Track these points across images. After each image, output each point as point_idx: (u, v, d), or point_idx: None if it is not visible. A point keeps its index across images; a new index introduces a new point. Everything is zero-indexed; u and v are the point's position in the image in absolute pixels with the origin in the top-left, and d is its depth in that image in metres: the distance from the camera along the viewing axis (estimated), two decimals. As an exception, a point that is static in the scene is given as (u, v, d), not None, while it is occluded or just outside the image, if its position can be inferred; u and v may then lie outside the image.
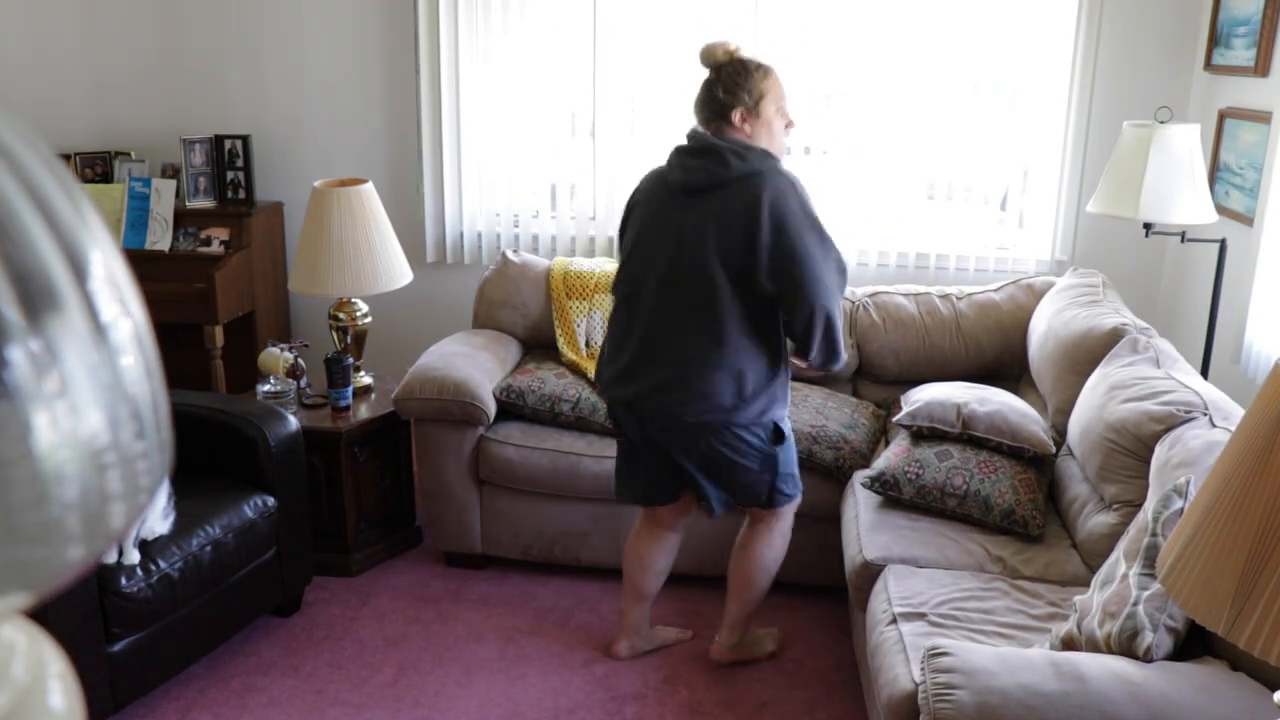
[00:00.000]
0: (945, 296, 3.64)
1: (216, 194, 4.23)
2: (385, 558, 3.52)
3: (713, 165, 2.48)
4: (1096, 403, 2.68)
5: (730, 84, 2.51)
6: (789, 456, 2.71)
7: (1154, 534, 2.05)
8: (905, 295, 3.66)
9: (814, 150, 4.15)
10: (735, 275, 2.46)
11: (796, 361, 2.64)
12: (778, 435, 2.65)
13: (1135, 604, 1.96)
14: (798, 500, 2.82)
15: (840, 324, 2.52)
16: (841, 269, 2.53)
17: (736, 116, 2.51)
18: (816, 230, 2.47)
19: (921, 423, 2.95)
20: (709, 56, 2.56)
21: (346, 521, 3.38)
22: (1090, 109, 3.79)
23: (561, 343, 3.70)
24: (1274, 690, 1.65)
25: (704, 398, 2.52)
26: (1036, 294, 3.56)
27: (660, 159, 2.66)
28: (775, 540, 2.84)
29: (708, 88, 2.55)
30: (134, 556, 2.56)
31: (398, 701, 2.80)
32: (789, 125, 2.61)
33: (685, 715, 2.75)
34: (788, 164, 2.60)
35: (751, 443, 2.61)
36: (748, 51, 2.58)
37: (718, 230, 2.45)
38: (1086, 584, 2.44)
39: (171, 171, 4.24)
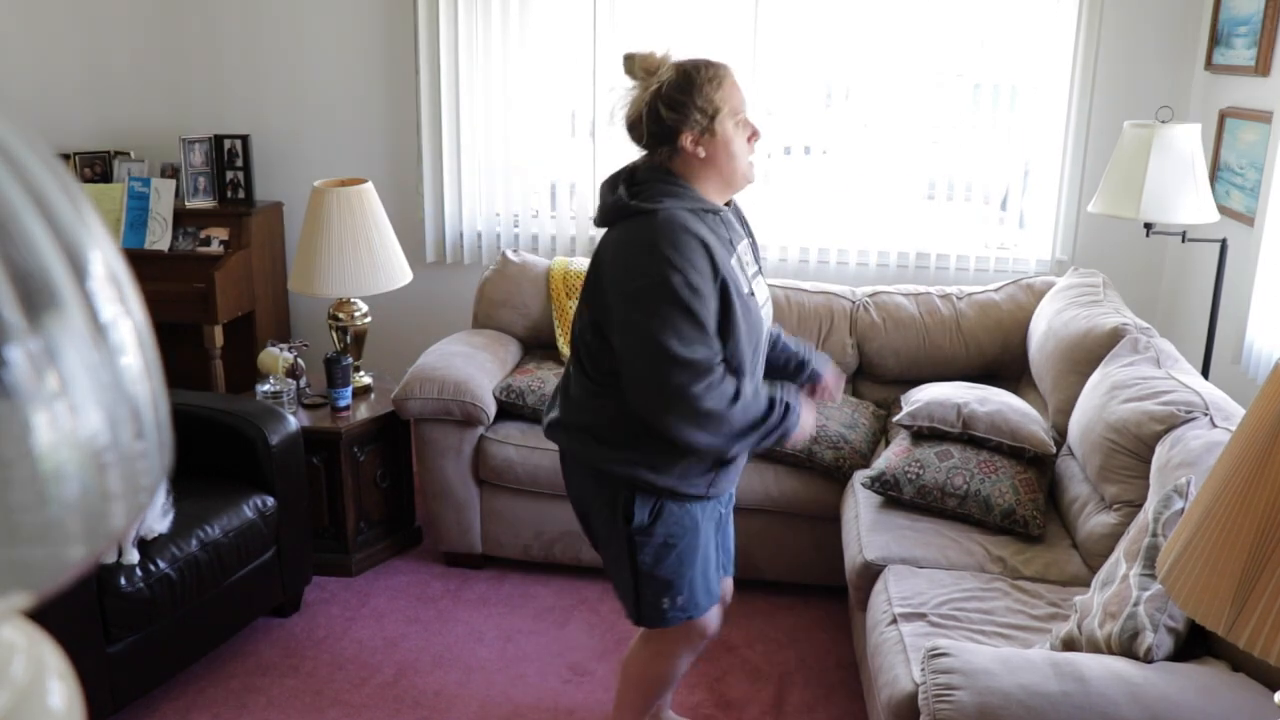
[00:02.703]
0: (945, 296, 3.64)
1: (216, 194, 4.23)
2: (385, 558, 3.52)
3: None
4: (1097, 403, 2.68)
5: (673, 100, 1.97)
6: (674, 564, 2.12)
7: (1154, 534, 2.04)
8: (905, 295, 3.66)
9: (814, 150, 4.15)
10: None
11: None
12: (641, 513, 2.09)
13: (1136, 604, 1.96)
14: (698, 621, 2.22)
15: (695, 435, 1.96)
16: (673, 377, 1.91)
17: (688, 140, 1.99)
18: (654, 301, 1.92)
19: (921, 423, 2.95)
20: (646, 63, 2.02)
21: (346, 521, 3.38)
22: (1090, 109, 3.79)
23: (561, 343, 3.70)
24: (1274, 690, 1.65)
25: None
26: (1037, 294, 3.56)
27: None
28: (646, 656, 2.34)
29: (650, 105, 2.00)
30: (133, 556, 2.56)
31: (398, 701, 2.80)
32: (753, 137, 2.06)
33: (685, 716, 2.75)
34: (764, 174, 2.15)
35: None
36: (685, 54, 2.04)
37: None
38: (1087, 584, 2.44)
39: (171, 171, 4.24)
